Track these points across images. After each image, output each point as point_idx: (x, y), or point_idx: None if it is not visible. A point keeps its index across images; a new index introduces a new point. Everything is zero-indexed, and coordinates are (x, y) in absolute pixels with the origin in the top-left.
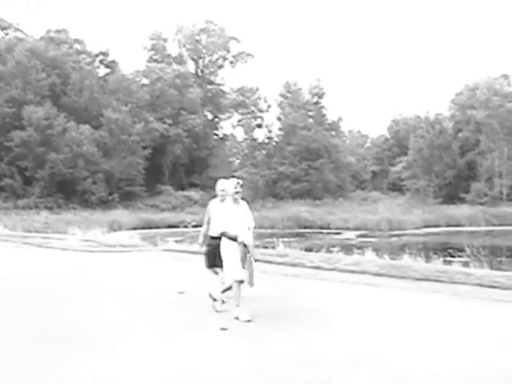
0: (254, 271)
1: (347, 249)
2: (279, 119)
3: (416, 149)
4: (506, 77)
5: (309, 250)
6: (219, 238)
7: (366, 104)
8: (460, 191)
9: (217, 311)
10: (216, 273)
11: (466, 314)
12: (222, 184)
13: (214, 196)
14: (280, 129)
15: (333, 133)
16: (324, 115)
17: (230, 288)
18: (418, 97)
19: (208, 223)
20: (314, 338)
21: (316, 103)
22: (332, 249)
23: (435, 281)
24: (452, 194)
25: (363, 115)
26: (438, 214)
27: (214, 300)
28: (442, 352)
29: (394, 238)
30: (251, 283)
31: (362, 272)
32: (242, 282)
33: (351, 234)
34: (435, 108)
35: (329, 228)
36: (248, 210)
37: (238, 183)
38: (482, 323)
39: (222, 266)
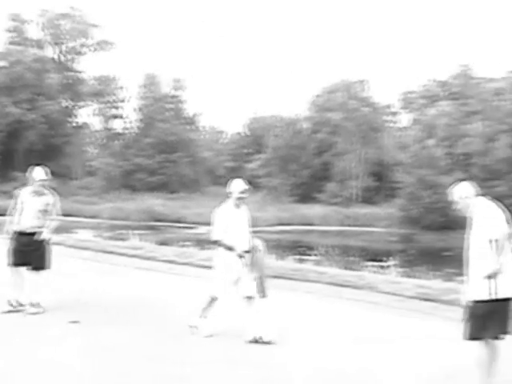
0: (265, 280)
1: (200, 244)
2: (138, 110)
3: (273, 147)
4: (362, 82)
5: (163, 243)
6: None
7: (224, 100)
8: (314, 191)
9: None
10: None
11: (321, 311)
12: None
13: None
14: (138, 120)
15: (191, 127)
16: (183, 109)
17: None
18: (277, 96)
19: None
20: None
21: (175, 96)
22: (185, 243)
23: (290, 279)
24: (306, 194)
25: (221, 111)
26: (292, 212)
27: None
28: (301, 350)
29: None
30: (263, 293)
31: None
32: (250, 297)
33: (205, 229)
34: (293, 108)
35: (183, 222)
36: (248, 216)
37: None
38: (336, 321)
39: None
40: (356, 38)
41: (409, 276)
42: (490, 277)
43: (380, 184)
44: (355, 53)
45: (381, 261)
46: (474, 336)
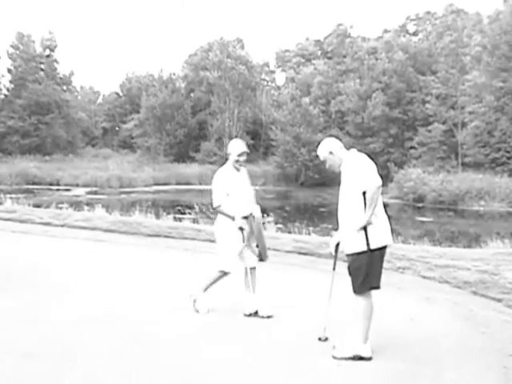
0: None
1: (77, 205)
2: (9, 71)
3: (148, 107)
4: (239, 40)
5: (37, 206)
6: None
7: (98, 60)
8: (190, 150)
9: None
10: None
11: (199, 267)
12: (237, 147)
13: None
14: (10, 81)
15: (64, 87)
16: (56, 69)
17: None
18: (152, 55)
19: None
20: (41, 297)
21: (48, 56)
22: (61, 205)
23: (166, 237)
24: (183, 153)
25: (96, 71)
26: (169, 172)
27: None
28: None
29: (124, 195)
30: (266, 256)
31: (93, 228)
32: (254, 268)
33: (81, 191)
34: (169, 67)
35: (58, 184)
36: (248, 179)
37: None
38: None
39: None
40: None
41: (288, 232)
42: (362, 229)
43: (256, 142)
44: (231, 11)
45: None
46: (360, 289)
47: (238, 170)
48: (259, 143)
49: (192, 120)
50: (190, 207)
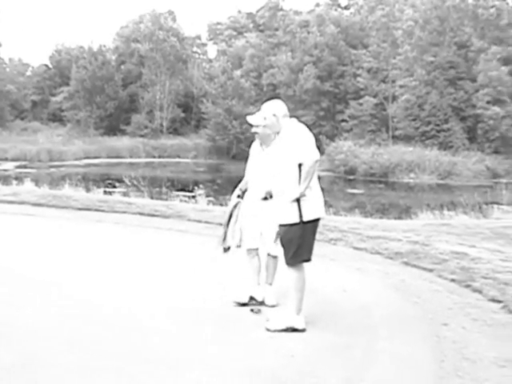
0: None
1: (5, 180)
2: None
3: (78, 79)
4: (170, 12)
5: None
6: None
7: (27, 32)
8: (121, 123)
9: None
10: None
11: (130, 240)
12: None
13: None
14: None
15: None
16: None
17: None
18: (82, 27)
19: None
20: None
21: None
22: None
23: (97, 210)
24: (113, 126)
25: (25, 43)
26: (99, 145)
27: None
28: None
29: (54, 169)
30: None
31: (21, 202)
32: (275, 256)
33: (10, 165)
34: (99, 39)
35: None
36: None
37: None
38: (145, 247)
39: None
40: None
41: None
42: (295, 201)
43: (188, 115)
44: None
45: (189, 191)
46: (292, 261)
47: (261, 144)
48: (190, 116)
49: (123, 93)
50: (121, 181)
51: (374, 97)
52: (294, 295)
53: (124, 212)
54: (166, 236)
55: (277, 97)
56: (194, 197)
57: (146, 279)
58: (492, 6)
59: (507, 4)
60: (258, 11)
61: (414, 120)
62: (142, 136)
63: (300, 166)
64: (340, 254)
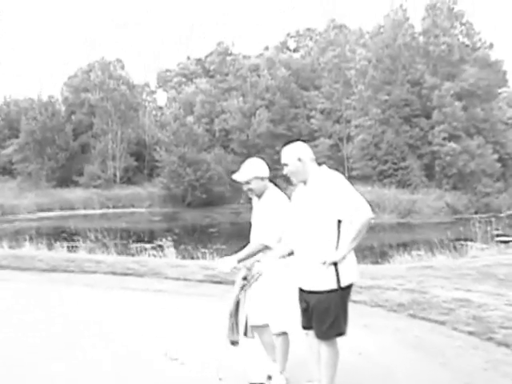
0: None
1: None
2: None
3: (28, 131)
4: (119, 60)
5: None
6: None
7: None
8: (74, 174)
9: None
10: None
11: (106, 305)
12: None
13: None
14: None
15: None
16: None
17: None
18: (29, 78)
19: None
20: None
21: None
22: None
23: (64, 271)
24: (65, 177)
25: None
26: (52, 197)
27: None
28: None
29: (7, 224)
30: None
31: None
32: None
33: None
34: (48, 90)
35: None
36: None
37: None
38: (123, 316)
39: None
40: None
41: (191, 257)
42: (333, 263)
43: (140, 164)
44: (107, 33)
45: (148, 242)
46: (326, 335)
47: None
48: (143, 164)
49: (74, 143)
50: (78, 233)
51: (329, 138)
52: (325, 372)
53: (94, 272)
54: (143, 298)
55: (229, 141)
56: (156, 248)
57: (121, 361)
58: (443, 43)
59: (458, 40)
60: (207, 57)
61: (370, 159)
62: (95, 187)
63: (339, 222)
64: None
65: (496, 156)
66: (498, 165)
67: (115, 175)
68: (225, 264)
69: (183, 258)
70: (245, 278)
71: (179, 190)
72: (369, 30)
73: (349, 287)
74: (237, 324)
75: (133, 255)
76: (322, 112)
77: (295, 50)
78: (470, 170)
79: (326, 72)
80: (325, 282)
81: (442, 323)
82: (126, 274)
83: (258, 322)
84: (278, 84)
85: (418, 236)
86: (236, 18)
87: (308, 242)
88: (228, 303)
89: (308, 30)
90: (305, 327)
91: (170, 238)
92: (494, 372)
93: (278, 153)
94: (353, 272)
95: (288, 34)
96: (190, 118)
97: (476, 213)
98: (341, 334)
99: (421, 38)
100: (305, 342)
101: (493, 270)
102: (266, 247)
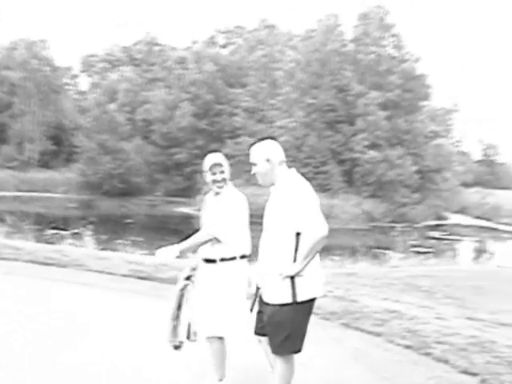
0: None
1: None
2: None
3: None
4: (44, 41)
5: None
6: None
7: None
8: None
9: None
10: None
11: (25, 298)
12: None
13: None
14: None
15: None
16: None
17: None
18: None
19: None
20: None
21: None
22: None
23: None
24: None
25: None
26: None
27: None
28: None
29: None
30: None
31: None
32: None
33: None
34: None
35: None
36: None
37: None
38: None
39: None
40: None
41: (111, 249)
42: (292, 277)
43: (59, 148)
44: (35, 12)
45: (64, 229)
46: (279, 349)
47: (216, 194)
48: (61, 149)
49: None
50: None
51: (251, 137)
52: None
53: (14, 259)
54: (67, 291)
55: (151, 133)
56: (73, 236)
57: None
58: (372, 52)
59: (386, 51)
60: (134, 45)
61: (292, 162)
62: (10, 168)
63: (298, 234)
64: None
65: (415, 168)
66: (417, 176)
67: (32, 158)
68: (166, 253)
69: (103, 249)
70: (188, 278)
71: (96, 177)
72: (297, 34)
73: (308, 302)
74: (175, 327)
75: (52, 243)
76: (245, 110)
77: (224, 46)
78: (389, 179)
79: (254, 71)
80: (279, 294)
81: (378, 335)
82: (47, 264)
83: (208, 333)
84: (205, 79)
85: (335, 241)
86: (166, 10)
87: (267, 251)
88: (169, 306)
89: (238, 27)
90: (257, 333)
91: (87, 227)
92: None
93: (199, 147)
94: (314, 287)
95: (217, 30)
96: (113, 106)
97: (392, 222)
98: (295, 351)
99: (351, 46)
100: (260, 348)
101: (416, 282)
102: (215, 239)
